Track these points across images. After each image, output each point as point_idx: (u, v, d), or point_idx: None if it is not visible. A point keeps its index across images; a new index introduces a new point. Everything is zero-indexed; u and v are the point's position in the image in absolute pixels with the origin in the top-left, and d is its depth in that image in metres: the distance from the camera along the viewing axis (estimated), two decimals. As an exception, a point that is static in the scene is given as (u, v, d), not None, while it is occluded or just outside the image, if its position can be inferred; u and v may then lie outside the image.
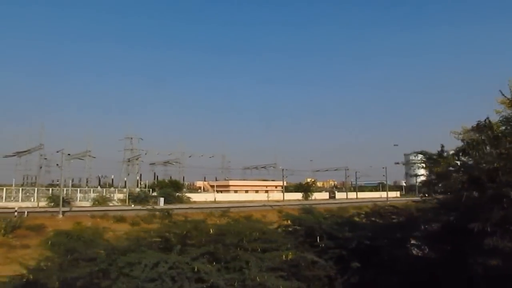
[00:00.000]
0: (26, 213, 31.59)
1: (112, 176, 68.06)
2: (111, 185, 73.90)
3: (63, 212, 35.20)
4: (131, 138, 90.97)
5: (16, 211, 31.31)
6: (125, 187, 68.02)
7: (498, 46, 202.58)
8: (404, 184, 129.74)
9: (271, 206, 34.67)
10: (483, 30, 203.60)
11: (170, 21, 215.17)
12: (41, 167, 45.31)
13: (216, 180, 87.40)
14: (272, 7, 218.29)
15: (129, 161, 55.63)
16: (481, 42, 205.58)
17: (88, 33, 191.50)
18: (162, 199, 49.26)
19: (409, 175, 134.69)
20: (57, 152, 50.07)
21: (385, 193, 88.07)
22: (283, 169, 67.34)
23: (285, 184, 72.28)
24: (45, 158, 46.04)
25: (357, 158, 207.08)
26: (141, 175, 77.49)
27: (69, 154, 56.32)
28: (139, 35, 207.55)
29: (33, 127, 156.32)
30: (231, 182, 78.23)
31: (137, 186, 69.17)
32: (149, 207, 33.15)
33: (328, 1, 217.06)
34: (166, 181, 66.01)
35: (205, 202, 59.61)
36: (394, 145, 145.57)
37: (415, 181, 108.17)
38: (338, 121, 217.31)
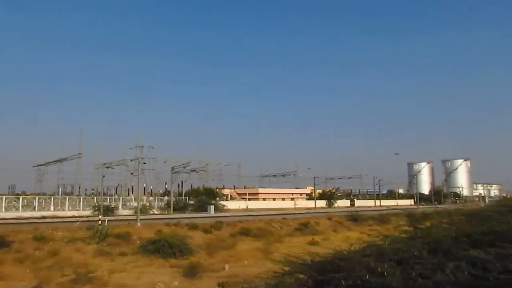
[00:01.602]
0: (106, 221, 32.07)
1: (144, 185, 68.31)
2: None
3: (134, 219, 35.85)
4: (142, 147, 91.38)
5: (100, 219, 31.81)
6: (151, 195, 68.47)
7: (495, 54, 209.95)
8: (405, 192, 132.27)
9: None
10: (482, 38, 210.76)
11: (183, 31, 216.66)
12: (103, 176, 45.49)
13: (234, 187, 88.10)
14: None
15: (172, 169, 55.97)
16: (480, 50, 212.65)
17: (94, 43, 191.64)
18: (212, 207, 49.86)
19: (412, 183, 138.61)
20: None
21: (400, 201, 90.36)
22: (314, 177, 68.56)
23: (308, 191, 73.23)
24: (108, 167, 46.16)
25: (356, 166, 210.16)
26: (165, 183, 78.03)
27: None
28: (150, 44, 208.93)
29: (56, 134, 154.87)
30: (260, 190, 79.10)
31: (165, 194, 69.48)
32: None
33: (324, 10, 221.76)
34: (201, 189, 66.59)
35: (238, 209, 60.48)
36: (395, 153, 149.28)
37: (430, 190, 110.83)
38: (341, 130, 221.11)
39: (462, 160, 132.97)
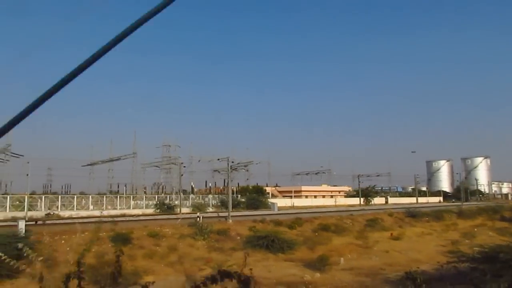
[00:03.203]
0: (201, 218, 33.17)
1: (192, 183, 69.53)
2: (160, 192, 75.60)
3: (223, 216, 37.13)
4: (169, 146, 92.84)
5: (198, 217, 32.93)
6: (192, 193, 69.50)
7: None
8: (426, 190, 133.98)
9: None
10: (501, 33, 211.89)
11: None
12: (182, 175, 46.50)
13: (266, 185, 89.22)
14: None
15: (230, 168, 56.73)
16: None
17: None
18: (276, 205, 51.04)
19: (432, 181, 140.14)
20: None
21: (430, 198, 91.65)
22: (358, 175, 69.68)
23: (347, 189, 74.42)
24: (184, 166, 47.36)
25: (374, 164, 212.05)
26: (206, 181, 79.34)
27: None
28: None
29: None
30: (303, 188, 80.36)
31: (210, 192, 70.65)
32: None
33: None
34: (249, 187, 67.78)
35: (285, 207, 61.64)
36: (412, 151, 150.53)
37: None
38: (359, 129, 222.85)
39: (482, 158, 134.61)
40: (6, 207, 41.83)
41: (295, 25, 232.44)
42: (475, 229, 44.00)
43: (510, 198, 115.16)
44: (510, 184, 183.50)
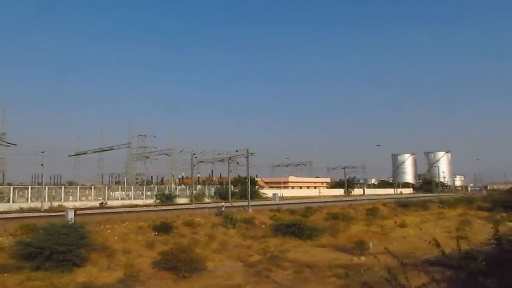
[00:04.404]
0: (224, 207, 34.22)
1: (182, 174, 69.43)
2: (151, 182, 75.49)
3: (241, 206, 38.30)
4: (145, 136, 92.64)
5: (223, 205, 33.92)
6: (180, 183, 69.70)
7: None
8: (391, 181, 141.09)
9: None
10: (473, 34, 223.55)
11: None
12: (194, 165, 46.45)
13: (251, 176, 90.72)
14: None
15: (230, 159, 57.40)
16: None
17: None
18: (277, 195, 52.56)
19: (396, 172, 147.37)
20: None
21: (404, 189, 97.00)
22: (344, 168, 72.55)
23: (328, 180, 77.50)
24: (196, 157, 47.26)
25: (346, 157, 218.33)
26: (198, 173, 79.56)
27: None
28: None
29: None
30: (290, 179, 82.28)
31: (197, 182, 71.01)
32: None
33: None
34: (242, 177, 68.61)
35: (275, 197, 63.51)
36: (377, 145, 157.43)
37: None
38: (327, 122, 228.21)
39: (444, 152, 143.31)
40: (10, 198, 40.72)
41: (261, 16, 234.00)
42: (461, 218, 47.81)
43: (469, 190, 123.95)
44: (463, 177, 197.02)
